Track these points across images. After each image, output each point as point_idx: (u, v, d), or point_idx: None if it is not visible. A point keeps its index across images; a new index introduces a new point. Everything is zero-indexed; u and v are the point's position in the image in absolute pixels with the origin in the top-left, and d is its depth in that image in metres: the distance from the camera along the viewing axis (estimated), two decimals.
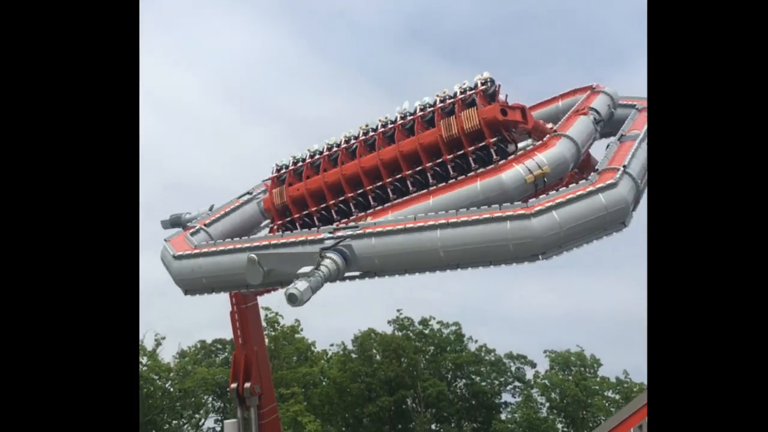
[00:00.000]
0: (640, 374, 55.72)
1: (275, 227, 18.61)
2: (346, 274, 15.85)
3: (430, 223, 15.43)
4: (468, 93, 17.16)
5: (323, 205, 18.15)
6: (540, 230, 14.61)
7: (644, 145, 17.11)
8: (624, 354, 76.57)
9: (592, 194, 14.94)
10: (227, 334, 52.13)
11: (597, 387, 52.58)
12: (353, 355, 52.19)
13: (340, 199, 18.02)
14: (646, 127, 17.46)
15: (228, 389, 21.71)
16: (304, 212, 18.34)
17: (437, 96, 17.85)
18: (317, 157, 18.45)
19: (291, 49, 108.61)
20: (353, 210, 17.96)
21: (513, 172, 16.50)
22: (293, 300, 14.60)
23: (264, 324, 40.36)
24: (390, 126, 17.72)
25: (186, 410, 49.09)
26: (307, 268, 15.05)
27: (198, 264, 17.37)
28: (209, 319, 71.67)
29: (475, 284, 77.68)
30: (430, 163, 17.12)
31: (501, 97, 17.11)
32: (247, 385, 20.63)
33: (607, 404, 51.49)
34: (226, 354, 51.68)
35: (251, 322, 21.36)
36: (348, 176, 17.84)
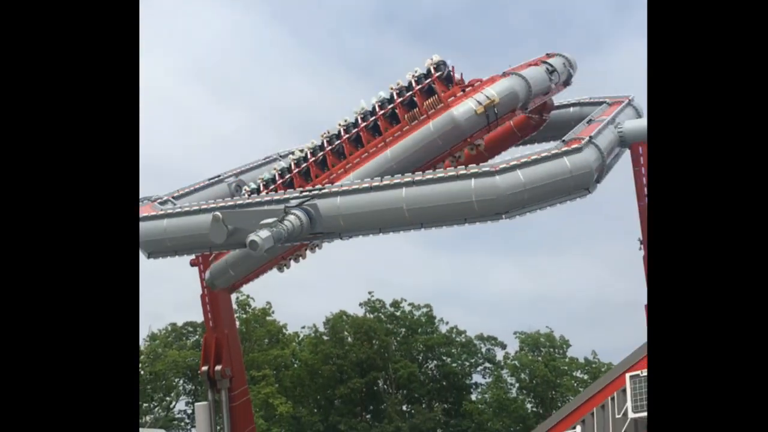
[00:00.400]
0: (607, 355, 56.47)
1: None
2: (311, 233, 15.96)
3: (396, 181, 15.64)
4: (424, 82, 17.29)
5: None
6: (504, 188, 14.81)
7: (611, 128, 17.42)
8: (592, 335, 77.57)
9: (557, 156, 15.22)
10: (197, 316, 52.04)
11: (566, 367, 53.20)
12: (325, 338, 52.32)
13: None
14: (613, 114, 17.88)
15: (199, 372, 21.73)
16: None
17: (392, 89, 17.93)
18: (303, 165, 18.65)
19: (264, 30, 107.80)
20: None
21: (463, 106, 16.79)
22: (254, 246, 14.74)
23: (235, 306, 40.30)
24: (354, 131, 17.88)
25: (157, 393, 48.99)
26: (271, 220, 15.18)
27: (162, 225, 17.36)
28: (179, 302, 71.40)
29: (447, 267, 78.16)
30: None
31: (456, 76, 17.31)
32: (218, 367, 20.66)
33: (575, 384, 52.13)
34: (197, 337, 51.56)
35: (222, 304, 21.37)
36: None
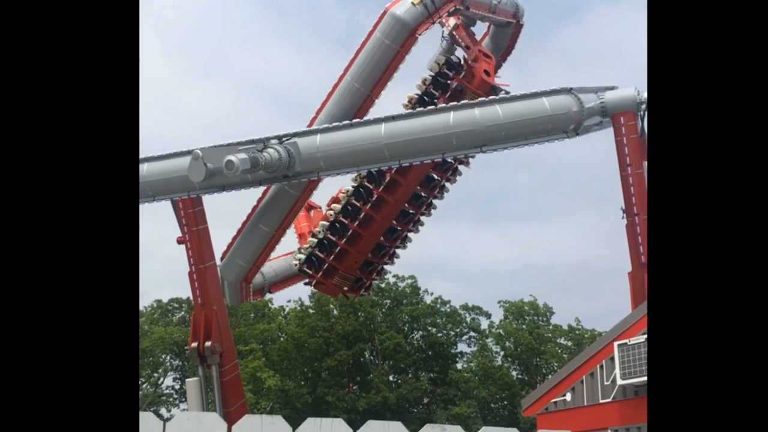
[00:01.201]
0: (590, 321, 57.14)
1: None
2: (292, 173, 16.10)
3: (375, 117, 15.83)
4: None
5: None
6: (482, 120, 15.01)
7: (593, 95, 17.86)
8: (575, 302, 78.31)
9: (536, 96, 15.54)
10: (183, 293, 52.07)
11: (550, 335, 53.75)
12: (310, 311, 52.51)
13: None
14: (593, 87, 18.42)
15: (188, 348, 21.81)
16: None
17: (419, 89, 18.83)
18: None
19: (234, 2, 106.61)
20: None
21: (401, 4, 17.14)
22: (230, 166, 14.97)
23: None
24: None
25: (144, 369, 49.06)
26: (250, 147, 15.40)
27: (142, 170, 17.38)
28: (164, 278, 71.27)
29: (430, 238, 78.44)
30: None
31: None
32: (208, 343, 20.75)
33: (559, 351, 52.72)
34: (183, 313, 51.58)
35: (210, 281, 21.41)
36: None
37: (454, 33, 19.37)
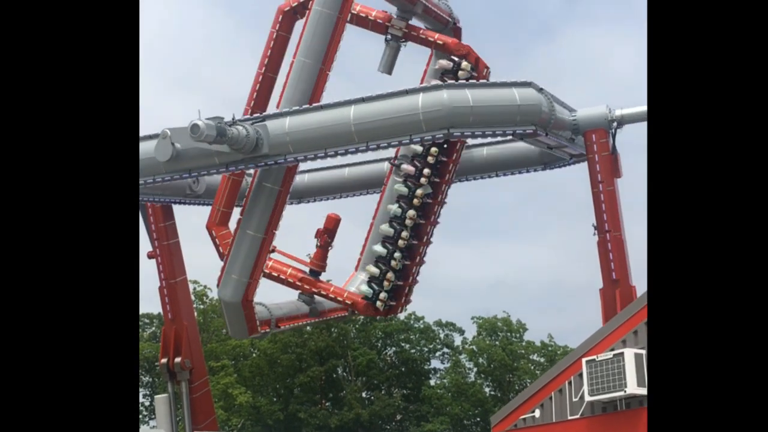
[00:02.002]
0: (563, 337, 57.28)
1: None
2: (260, 154, 16.12)
3: (345, 100, 15.85)
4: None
5: None
6: (450, 102, 15.09)
7: (566, 111, 17.98)
8: (548, 318, 78.63)
9: (506, 86, 15.78)
10: (154, 308, 51.57)
11: (523, 351, 53.83)
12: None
13: None
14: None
15: (157, 364, 21.62)
16: None
17: None
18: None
19: (199, 12, 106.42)
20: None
21: None
22: (195, 130, 14.92)
23: (193, 297, 39.99)
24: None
25: None
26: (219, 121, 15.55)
27: None
28: None
29: None
30: None
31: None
32: (178, 359, 20.59)
33: (532, 367, 52.80)
34: (153, 328, 51.09)
35: (180, 296, 21.29)
36: None
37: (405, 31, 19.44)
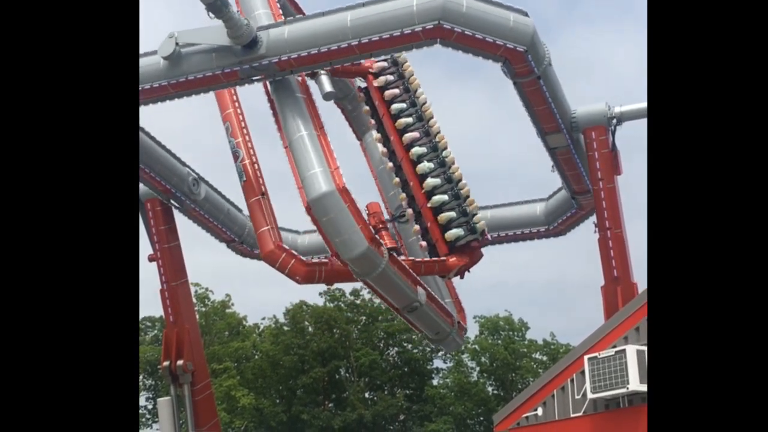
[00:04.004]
0: (565, 336, 57.28)
1: None
2: (256, 56, 16.19)
3: (344, 6, 16.14)
4: None
5: None
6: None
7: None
8: (550, 317, 78.65)
9: (503, 7, 15.97)
10: (156, 311, 51.59)
11: (525, 350, 53.81)
12: (285, 328, 52.22)
13: None
14: None
15: (160, 367, 21.61)
16: None
17: None
18: None
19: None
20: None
21: None
22: None
23: (194, 300, 40.02)
24: None
25: None
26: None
27: None
28: None
29: None
30: None
31: None
32: (180, 362, 20.58)
33: (535, 366, 52.79)
34: (155, 332, 51.07)
35: (182, 299, 21.29)
36: None
37: None
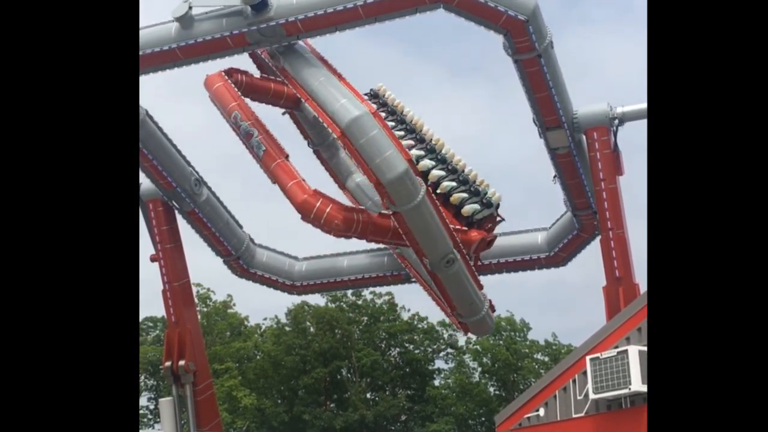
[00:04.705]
0: (567, 336, 57.20)
1: None
2: (264, 18, 16.52)
3: None
4: None
5: None
6: None
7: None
8: (552, 317, 78.54)
9: None
10: (157, 311, 51.60)
11: (527, 350, 53.78)
12: (287, 328, 52.22)
13: None
14: None
15: (161, 367, 21.61)
16: None
17: None
18: None
19: None
20: None
21: None
22: None
23: (196, 300, 40.03)
24: None
25: None
26: None
27: None
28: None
29: None
30: None
31: None
32: (182, 362, 20.59)
33: (536, 366, 52.76)
34: (157, 332, 51.10)
35: (183, 299, 21.32)
36: None
37: None
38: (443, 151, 18.55)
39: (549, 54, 17.31)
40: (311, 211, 16.32)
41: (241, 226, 21.81)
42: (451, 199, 17.84)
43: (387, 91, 20.38)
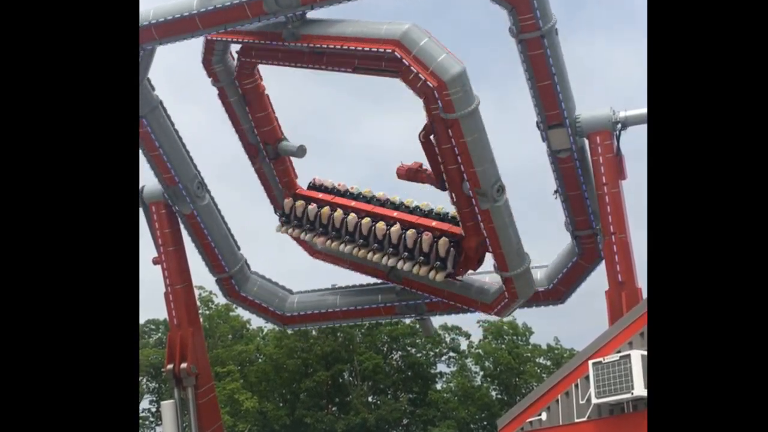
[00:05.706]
0: (569, 341, 57.07)
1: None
2: None
3: None
4: None
5: None
6: None
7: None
8: (554, 321, 78.36)
9: None
10: (159, 314, 51.60)
11: (529, 354, 53.71)
12: (289, 332, 52.18)
13: None
14: None
15: (163, 370, 21.62)
16: None
17: None
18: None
19: None
20: None
21: None
22: None
23: (198, 303, 40.02)
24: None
25: None
26: None
27: (148, 14, 17.90)
28: (140, 300, 70.62)
29: None
30: None
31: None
32: (184, 365, 20.59)
33: (539, 371, 52.68)
34: (159, 335, 51.12)
35: (185, 302, 21.31)
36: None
37: None
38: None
39: (553, 39, 17.52)
40: None
41: (239, 247, 21.71)
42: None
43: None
